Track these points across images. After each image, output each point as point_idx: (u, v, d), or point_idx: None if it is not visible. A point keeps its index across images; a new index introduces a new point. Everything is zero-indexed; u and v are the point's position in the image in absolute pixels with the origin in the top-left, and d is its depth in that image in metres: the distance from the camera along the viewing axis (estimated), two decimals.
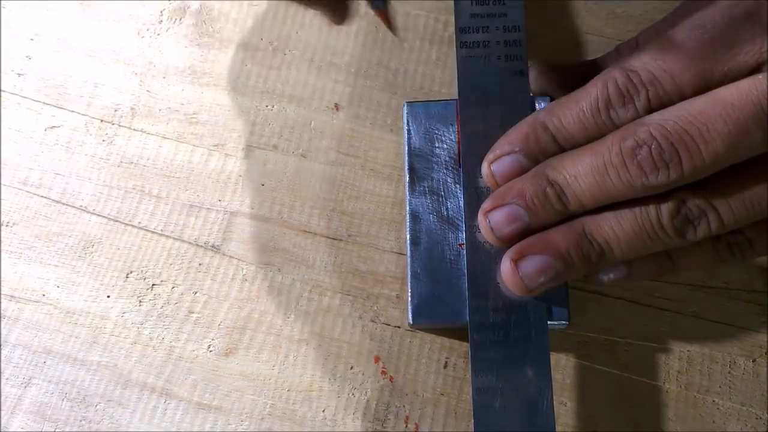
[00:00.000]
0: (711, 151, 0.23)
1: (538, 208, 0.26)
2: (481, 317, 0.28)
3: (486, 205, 0.27)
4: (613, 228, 0.25)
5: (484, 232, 0.27)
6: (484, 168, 0.28)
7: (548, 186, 0.26)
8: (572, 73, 0.29)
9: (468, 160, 0.29)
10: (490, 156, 0.27)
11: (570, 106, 0.26)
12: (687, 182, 0.24)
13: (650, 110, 0.25)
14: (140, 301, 0.32)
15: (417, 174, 0.30)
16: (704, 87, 0.24)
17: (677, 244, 0.25)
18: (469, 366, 0.27)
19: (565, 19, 0.35)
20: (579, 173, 0.25)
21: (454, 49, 0.30)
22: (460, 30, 0.30)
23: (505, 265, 0.27)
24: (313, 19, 0.35)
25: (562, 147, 0.26)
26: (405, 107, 0.31)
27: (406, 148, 0.31)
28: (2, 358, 0.31)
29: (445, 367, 0.30)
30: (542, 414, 0.26)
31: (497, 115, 0.29)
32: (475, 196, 0.28)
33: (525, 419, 0.26)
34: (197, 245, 0.33)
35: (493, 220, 0.27)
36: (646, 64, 0.25)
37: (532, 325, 0.27)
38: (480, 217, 0.27)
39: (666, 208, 0.25)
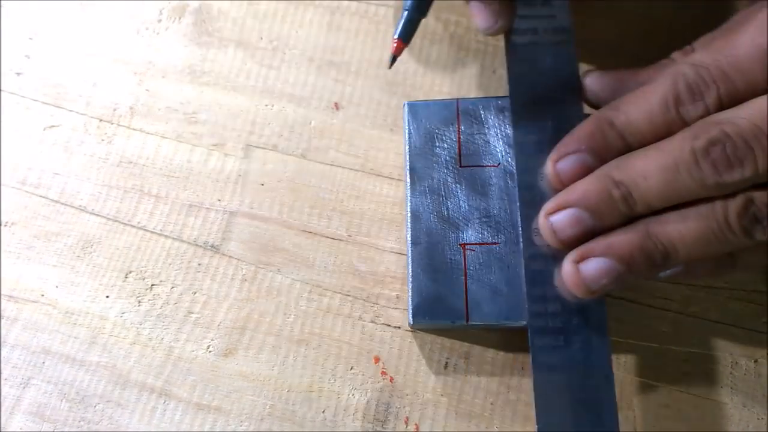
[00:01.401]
0: None
1: (603, 210, 0.26)
2: (541, 321, 0.27)
3: (549, 206, 0.27)
4: (678, 229, 0.25)
5: (546, 235, 0.27)
6: (549, 166, 0.27)
7: (614, 187, 0.25)
8: (626, 79, 0.29)
9: (522, 162, 0.29)
10: (554, 154, 0.27)
11: (637, 102, 0.26)
12: (760, 181, 0.24)
13: (721, 107, 0.24)
14: (139, 302, 0.32)
15: (417, 174, 0.30)
16: None
17: (744, 243, 0.25)
18: (531, 371, 0.27)
19: None
20: (648, 173, 0.25)
21: (504, 49, 0.30)
22: (510, 31, 0.30)
23: (567, 267, 0.26)
24: (313, 18, 0.35)
25: (629, 144, 0.26)
26: (405, 107, 0.31)
27: (407, 148, 0.31)
28: (1, 358, 0.31)
29: (446, 367, 0.30)
30: (606, 416, 0.26)
31: (550, 116, 0.29)
32: (530, 198, 0.28)
33: (589, 422, 0.26)
34: (196, 245, 0.32)
35: (555, 223, 0.26)
36: (716, 60, 0.25)
37: (592, 329, 0.27)
38: (541, 219, 0.27)
39: (734, 206, 0.24)
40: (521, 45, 0.30)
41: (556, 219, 0.26)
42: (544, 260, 0.28)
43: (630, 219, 0.26)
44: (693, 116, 0.25)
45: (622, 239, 0.25)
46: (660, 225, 0.25)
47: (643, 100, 0.26)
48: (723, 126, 0.24)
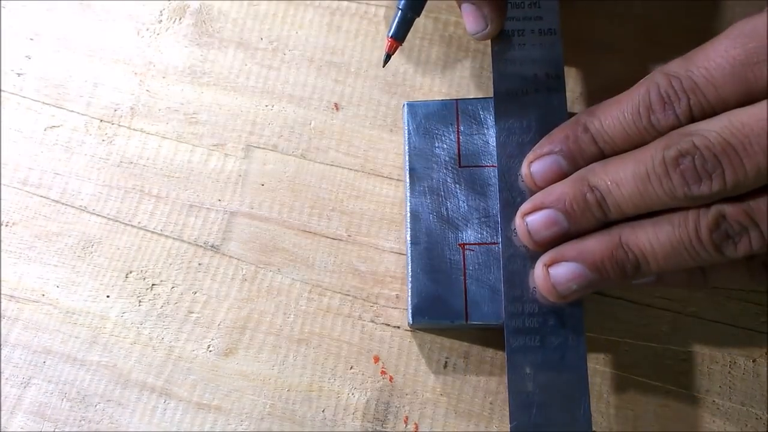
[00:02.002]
0: (753, 164, 0.23)
1: (577, 213, 0.26)
2: (517, 322, 0.27)
3: (525, 207, 0.27)
4: (650, 239, 0.25)
5: (521, 235, 0.27)
6: (524, 167, 0.28)
7: (589, 191, 0.25)
8: None
9: (504, 162, 0.29)
10: (530, 156, 0.28)
11: (612, 108, 0.26)
12: (730, 195, 0.24)
13: (691, 118, 0.24)
14: (140, 301, 0.32)
15: (417, 174, 0.30)
16: (747, 98, 0.24)
17: (716, 259, 0.24)
18: (506, 371, 0.27)
19: (565, 19, 0.35)
20: (621, 180, 0.25)
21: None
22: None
23: (538, 270, 0.27)
24: (313, 19, 0.35)
25: (602, 150, 0.26)
26: (405, 107, 0.31)
27: (406, 148, 0.31)
28: (2, 358, 0.31)
29: (445, 367, 0.30)
30: (580, 419, 0.26)
31: (533, 118, 0.29)
32: (510, 199, 0.28)
33: (563, 423, 0.26)
34: (197, 245, 0.33)
35: (530, 224, 0.27)
36: (689, 71, 0.25)
37: (569, 330, 0.27)
38: (517, 219, 0.27)
39: (705, 221, 0.24)
40: (507, 46, 0.30)
41: (531, 219, 0.27)
42: (522, 261, 0.28)
43: (606, 224, 0.26)
44: (663, 125, 0.25)
45: (594, 245, 0.26)
46: (633, 233, 0.25)
47: (617, 107, 0.26)
48: (693, 138, 0.24)
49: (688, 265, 0.25)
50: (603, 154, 0.26)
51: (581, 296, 0.27)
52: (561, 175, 0.27)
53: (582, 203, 0.26)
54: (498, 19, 0.29)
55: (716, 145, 0.23)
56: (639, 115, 0.25)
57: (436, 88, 0.34)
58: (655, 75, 0.25)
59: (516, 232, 0.28)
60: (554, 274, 0.26)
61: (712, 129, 0.23)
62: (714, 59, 0.24)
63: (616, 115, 0.26)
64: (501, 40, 0.30)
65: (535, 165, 0.27)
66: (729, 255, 0.24)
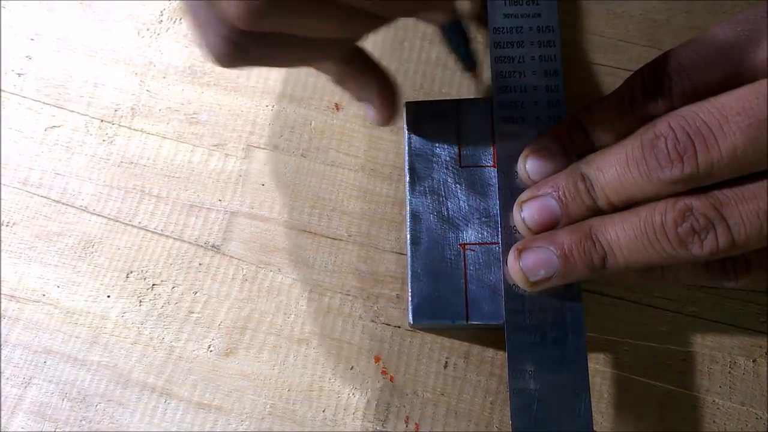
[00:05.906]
0: (729, 145, 0.22)
1: (569, 200, 0.26)
2: (518, 318, 0.27)
3: (522, 196, 0.27)
4: (617, 231, 0.25)
5: (517, 223, 0.28)
6: (520, 163, 0.28)
7: (579, 179, 0.26)
8: None
9: (503, 161, 0.29)
10: (525, 152, 0.28)
11: (602, 100, 0.26)
12: (704, 182, 0.23)
13: (671, 101, 0.24)
14: (140, 301, 0.32)
15: (417, 174, 0.30)
16: (734, 80, 0.23)
17: (682, 256, 0.24)
18: (506, 368, 0.27)
19: (565, 19, 0.35)
20: (605, 165, 0.25)
21: (489, 50, 0.30)
22: (494, 30, 0.30)
23: (510, 255, 0.27)
24: None
25: (592, 142, 0.26)
26: (405, 107, 0.31)
27: (406, 148, 0.31)
28: (2, 358, 0.31)
29: (446, 367, 0.31)
30: (580, 415, 0.26)
31: (532, 116, 0.29)
32: (510, 197, 0.28)
33: (563, 421, 0.26)
34: (197, 245, 0.33)
35: (526, 211, 0.27)
36: (677, 55, 0.24)
37: (569, 327, 0.27)
38: (514, 207, 0.28)
39: (671, 214, 0.23)
40: (506, 43, 0.30)
41: (526, 207, 0.27)
42: None
43: (597, 215, 0.26)
44: (646, 111, 0.25)
45: (565, 233, 0.26)
46: (603, 224, 0.25)
47: (608, 98, 0.26)
48: (669, 119, 0.23)
49: (654, 261, 0.24)
50: (595, 147, 0.26)
51: (550, 286, 0.26)
52: (556, 169, 0.27)
53: (573, 191, 0.26)
54: (386, 115, 0.28)
55: (691, 125, 0.23)
56: (622, 103, 0.25)
57: (436, 88, 0.34)
58: (646, 64, 0.26)
59: (516, 229, 0.28)
60: (524, 258, 0.26)
61: (691, 110, 0.23)
62: (702, 43, 0.24)
63: (606, 105, 0.26)
64: (499, 37, 0.30)
65: (529, 160, 0.27)
66: (695, 253, 0.23)
